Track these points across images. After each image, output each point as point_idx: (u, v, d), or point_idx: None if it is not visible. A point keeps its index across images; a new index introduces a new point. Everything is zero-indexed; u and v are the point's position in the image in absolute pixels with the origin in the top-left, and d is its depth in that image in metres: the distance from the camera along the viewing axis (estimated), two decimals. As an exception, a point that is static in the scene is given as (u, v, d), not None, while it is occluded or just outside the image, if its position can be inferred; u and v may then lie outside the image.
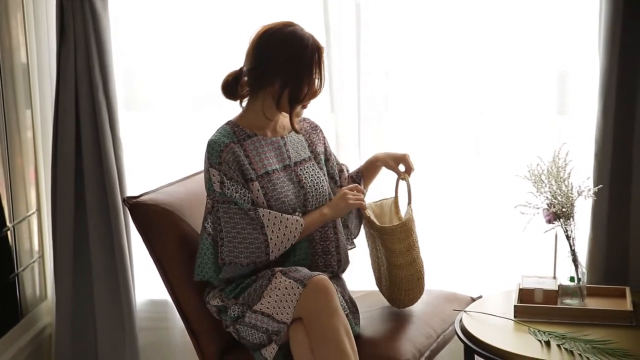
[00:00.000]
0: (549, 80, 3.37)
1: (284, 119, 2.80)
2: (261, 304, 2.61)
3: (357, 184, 2.84)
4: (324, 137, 2.93)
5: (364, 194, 2.83)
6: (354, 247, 2.96)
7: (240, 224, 2.66)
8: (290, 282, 2.58)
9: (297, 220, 2.69)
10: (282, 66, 2.65)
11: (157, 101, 3.58)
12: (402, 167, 2.91)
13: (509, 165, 3.31)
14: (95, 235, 3.42)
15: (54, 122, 3.37)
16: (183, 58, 3.50)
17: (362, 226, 2.94)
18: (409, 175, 2.88)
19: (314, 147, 2.87)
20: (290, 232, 2.68)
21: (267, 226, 2.66)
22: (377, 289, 2.96)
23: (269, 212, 2.67)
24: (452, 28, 3.36)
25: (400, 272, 2.78)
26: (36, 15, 3.49)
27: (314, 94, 2.71)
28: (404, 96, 3.45)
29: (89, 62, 3.31)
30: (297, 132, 2.79)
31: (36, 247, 3.61)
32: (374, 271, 2.95)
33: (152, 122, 3.61)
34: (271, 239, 2.66)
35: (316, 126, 2.92)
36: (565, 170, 2.90)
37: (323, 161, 2.89)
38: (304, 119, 2.90)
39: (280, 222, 2.67)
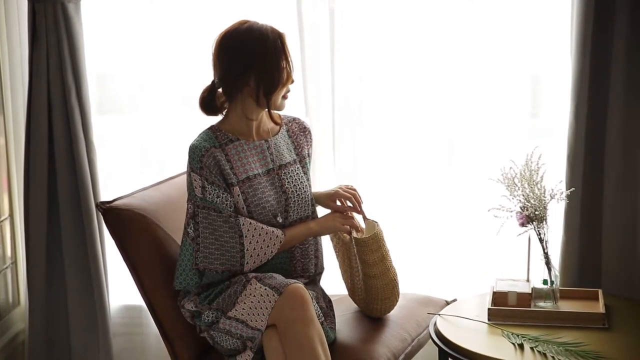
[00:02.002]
0: (522, 84, 3.38)
1: (267, 122, 2.80)
2: (235, 310, 2.60)
3: (346, 207, 2.80)
4: (312, 141, 2.91)
5: (363, 214, 2.81)
6: None
7: (219, 231, 2.65)
8: (265, 289, 2.58)
9: (277, 236, 2.68)
10: (250, 63, 2.64)
11: (130, 105, 3.56)
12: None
13: (483, 169, 3.32)
14: (69, 240, 3.40)
15: (27, 127, 3.35)
16: (156, 61, 3.49)
17: (330, 239, 2.94)
18: (359, 202, 2.82)
19: (300, 149, 2.86)
20: (268, 246, 2.67)
21: (246, 236, 2.65)
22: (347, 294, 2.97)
23: (250, 223, 2.66)
24: (425, 33, 3.37)
25: (376, 282, 2.79)
26: (8, 19, 3.47)
27: (286, 80, 2.70)
28: (378, 100, 3.46)
29: (61, 66, 3.30)
30: (276, 123, 2.79)
31: (9, 252, 3.58)
32: (346, 282, 2.95)
33: (125, 126, 3.60)
34: (247, 249, 2.65)
35: (305, 128, 2.89)
36: (538, 173, 2.91)
37: (308, 165, 2.88)
38: (294, 119, 2.89)
39: (259, 234, 2.66)
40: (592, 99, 3.13)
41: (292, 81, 2.72)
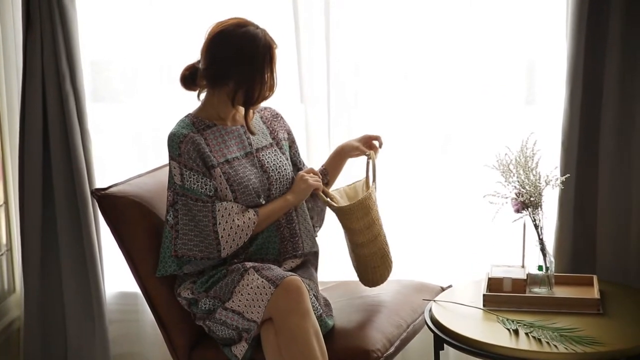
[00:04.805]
0: (517, 70, 3.38)
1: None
2: (232, 301, 2.61)
3: (312, 168, 2.88)
4: (286, 124, 2.94)
5: (319, 176, 2.86)
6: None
7: (198, 216, 2.67)
8: (262, 281, 2.58)
9: (249, 218, 2.69)
10: (234, 68, 2.68)
11: (125, 92, 3.55)
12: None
13: (478, 155, 3.32)
14: (64, 227, 3.40)
15: (21, 115, 3.34)
16: (151, 48, 3.47)
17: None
18: (376, 152, 2.88)
19: (275, 133, 2.88)
20: (242, 230, 2.68)
21: (219, 223, 2.66)
22: (345, 279, 2.97)
23: (225, 208, 2.67)
24: (420, 22, 3.36)
25: (363, 251, 2.80)
26: (1, 6, 3.45)
27: (268, 92, 2.73)
28: (373, 89, 3.45)
29: (55, 54, 3.29)
30: (252, 133, 2.81)
31: (4, 240, 3.58)
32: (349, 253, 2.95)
33: (120, 113, 3.59)
34: (222, 236, 2.66)
35: (277, 114, 2.94)
36: (533, 159, 2.92)
37: (285, 147, 2.90)
38: (265, 108, 2.93)
39: (233, 220, 2.67)
40: (587, 85, 3.13)
41: (273, 92, 2.75)
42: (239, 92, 2.70)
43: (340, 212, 2.78)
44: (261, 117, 2.89)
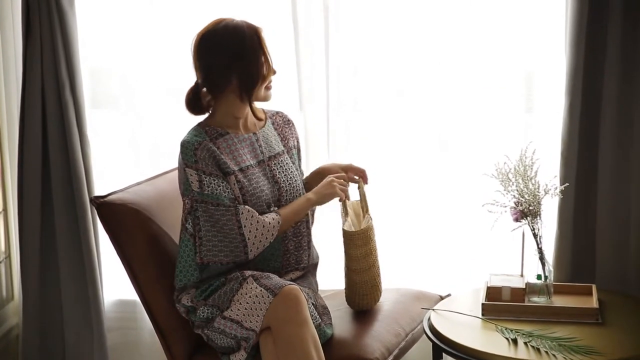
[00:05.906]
0: (517, 79, 3.39)
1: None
2: (231, 310, 2.61)
3: (343, 174, 2.86)
4: (296, 132, 2.94)
5: (348, 184, 2.85)
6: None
7: (221, 221, 2.65)
8: (261, 290, 2.58)
9: (273, 218, 2.69)
10: (229, 63, 2.67)
11: (124, 99, 3.56)
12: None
13: (477, 164, 3.32)
14: (63, 235, 3.40)
15: (20, 121, 3.35)
16: (151, 56, 3.48)
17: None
18: (364, 180, 2.88)
19: (286, 141, 2.88)
20: (268, 230, 2.68)
21: (245, 226, 2.65)
22: (343, 288, 2.97)
23: (248, 211, 2.66)
24: (420, 27, 3.37)
25: (356, 277, 2.80)
26: (1, 13, 3.46)
27: (267, 73, 2.72)
28: (372, 95, 3.46)
29: (55, 61, 3.29)
30: (259, 119, 2.80)
31: (2, 247, 3.58)
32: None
33: (119, 120, 3.59)
34: (249, 238, 2.66)
35: (289, 120, 2.93)
36: (532, 168, 2.92)
37: (295, 155, 2.90)
38: (277, 113, 2.92)
39: (257, 222, 2.67)
40: (586, 95, 3.13)
41: (274, 72, 2.74)
42: (243, 85, 2.69)
43: (343, 235, 2.78)
44: (273, 123, 2.88)
